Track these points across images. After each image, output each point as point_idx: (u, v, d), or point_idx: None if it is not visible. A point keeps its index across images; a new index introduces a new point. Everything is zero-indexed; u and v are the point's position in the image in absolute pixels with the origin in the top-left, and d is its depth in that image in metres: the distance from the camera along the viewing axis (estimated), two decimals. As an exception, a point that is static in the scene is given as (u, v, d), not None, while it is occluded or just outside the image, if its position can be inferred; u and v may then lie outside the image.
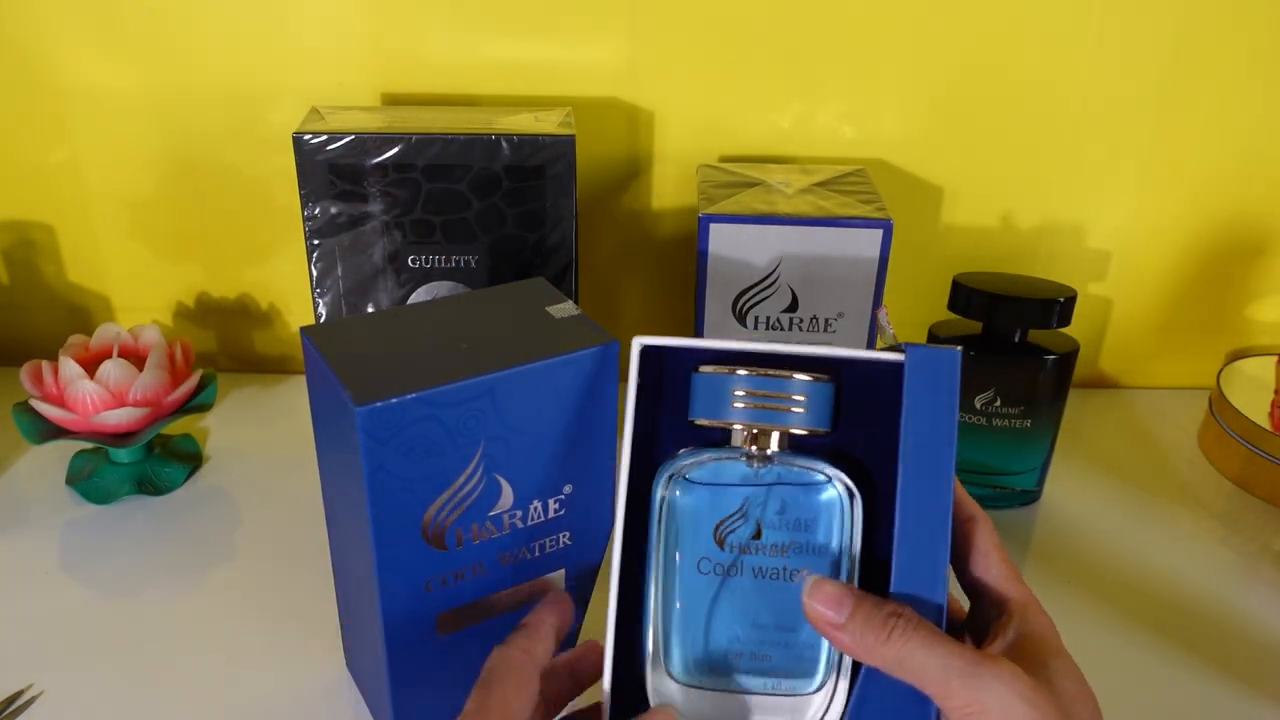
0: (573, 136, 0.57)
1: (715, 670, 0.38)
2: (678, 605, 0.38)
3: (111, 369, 0.60)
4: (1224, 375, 0.72)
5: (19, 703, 0.47)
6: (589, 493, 0.42)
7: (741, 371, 0.37)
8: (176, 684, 0.50)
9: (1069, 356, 0.60)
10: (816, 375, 0.37)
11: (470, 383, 0.36)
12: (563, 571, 0.43)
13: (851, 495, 0.37)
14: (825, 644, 0.37)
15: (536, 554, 0.42)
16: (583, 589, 0.44)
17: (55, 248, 0.74)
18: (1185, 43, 0.67)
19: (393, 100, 0.69)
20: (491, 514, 0.40)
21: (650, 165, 0.71)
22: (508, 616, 0.42)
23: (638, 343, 0.36)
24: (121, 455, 0.63)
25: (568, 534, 0.42)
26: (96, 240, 0.74)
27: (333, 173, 0.57)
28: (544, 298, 0.43)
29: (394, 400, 0.35)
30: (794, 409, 0.36)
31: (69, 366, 0.60)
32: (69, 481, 0.63)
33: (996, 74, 0.68)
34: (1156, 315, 0.77)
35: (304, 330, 0.40)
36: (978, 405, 0.61)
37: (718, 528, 0.38)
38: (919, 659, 0.32)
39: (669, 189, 0.72)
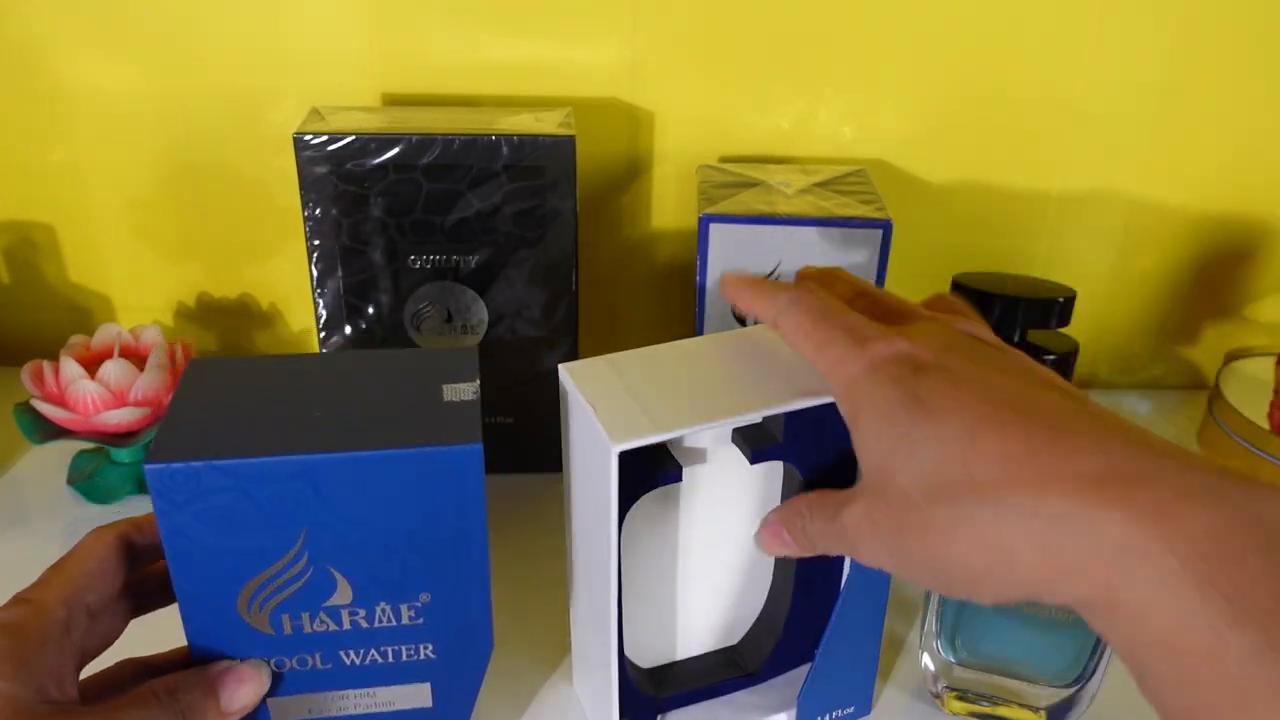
0: (573, 137, 0.57)
1: (989, 666, 0.47)
2: (958, 617, 0.47)
3: (112, 369, 0.60)
4: (1223, 375, 0.72)
5: (20, 702, 0.47)
6: (454, 606, 0.37)
7: None
8: (177, 683, 0.50)
9: (1068, 356, 0.60)
10: None
11: (282, 460, 0.33)
12: (428, 686, 0.39)
13: None
14: (1084, 662, 0.45)
15: (392, 660, 0.38)
16: (453, 705, 0.40)
17: (56, 247, 0.75)
18: (1185, 42, 0.67)
19: (393, 101, 0.69)
20: (325, 605, 0.36)
21: (650, 165, 0.72)
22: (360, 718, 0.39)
23: (615, 450, 0.34)
24: (123, 455, 0.63)
25: (430, 647, 0.38)
26: (97, 240, 0.74)
27: (333, 173, 0.57)
28: (456, 372, 0.38)
29: (185, 464, 0.32)
30: None
31: (70, 366, 0.60)
32: (70, 481, 0.63)
33: (996, 74, 0.68)
34: (1156, 315, 0.77)
35: (191, 363, 0.38)
36: (977, 405, 0.61)
37: None
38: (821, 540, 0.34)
39: (669, 189, 0.72)
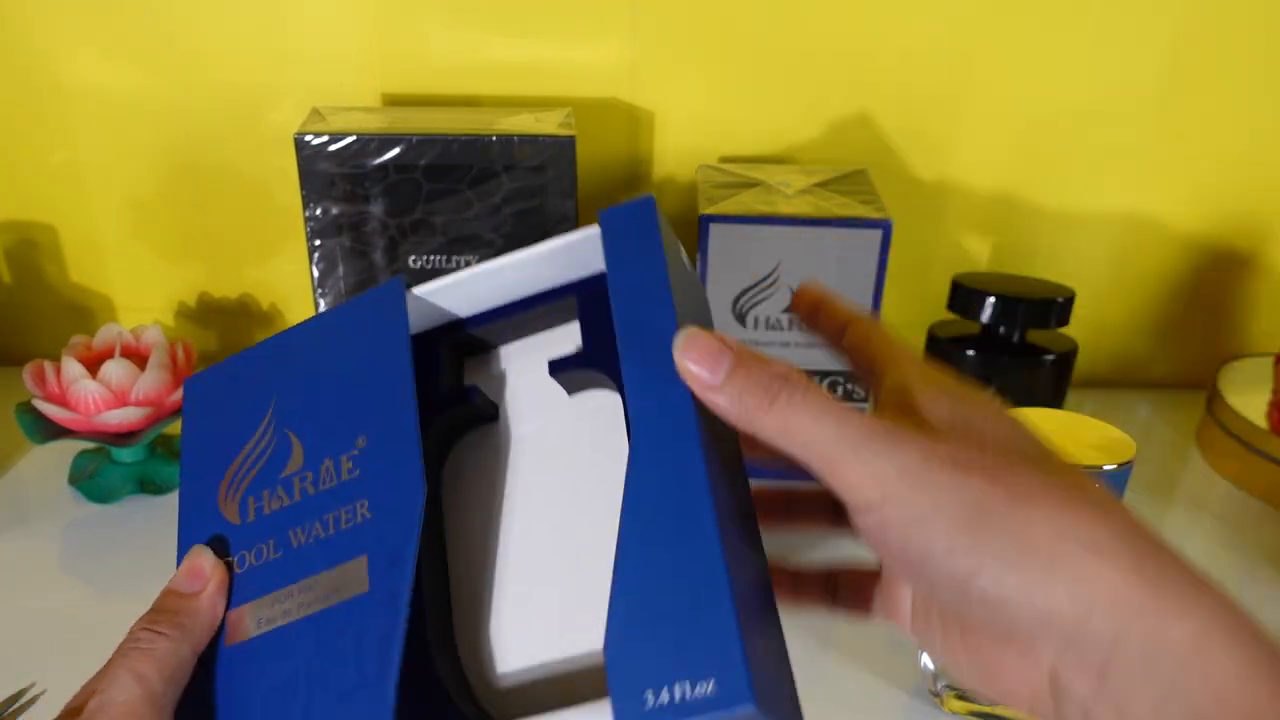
0: (573, 137, 0.57)
1: None
2: None
3: (113, 369, 0.60)
4: (1222, 375, 0.72)
5: (21, 701, 0.48)
6: (386, 447, 0.34)
7: None
8: (178, 683, 0.50)
9: (1068, 356, 0.60)
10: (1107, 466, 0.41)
11: (268, 339, 0.36)
12: (365, 560, 0.33)
13: None
14: None
15: (332, 531, 0.34)
16: (391, 584, 0.32)
17: (57, 248, 0.75)
18: (1184, 42, 0.67)
19: (393, 101, 0.69)
20: (281, 477, 0.35)
21: (650, 165, 0.72)
22: (303, 624, 0.33)
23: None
24: (123, 455, 0.63)
25: (365, 503, 0.33)
26: (98, 241, 0.74)
27: (334, 173, 0.57)
28: None
29: (210, 368, 0.36)
30: None
31: (71, 366, 0.60)
32: (71, 481, 0.64)
33: (996, 74, 0.68)
34: (1155, 315, 0.77)
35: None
36: (977, 405, 0.61)
37: None
38: (807, 430, 0.27)
39: (669, 189, 0.72)
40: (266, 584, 0.34)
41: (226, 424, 0.36)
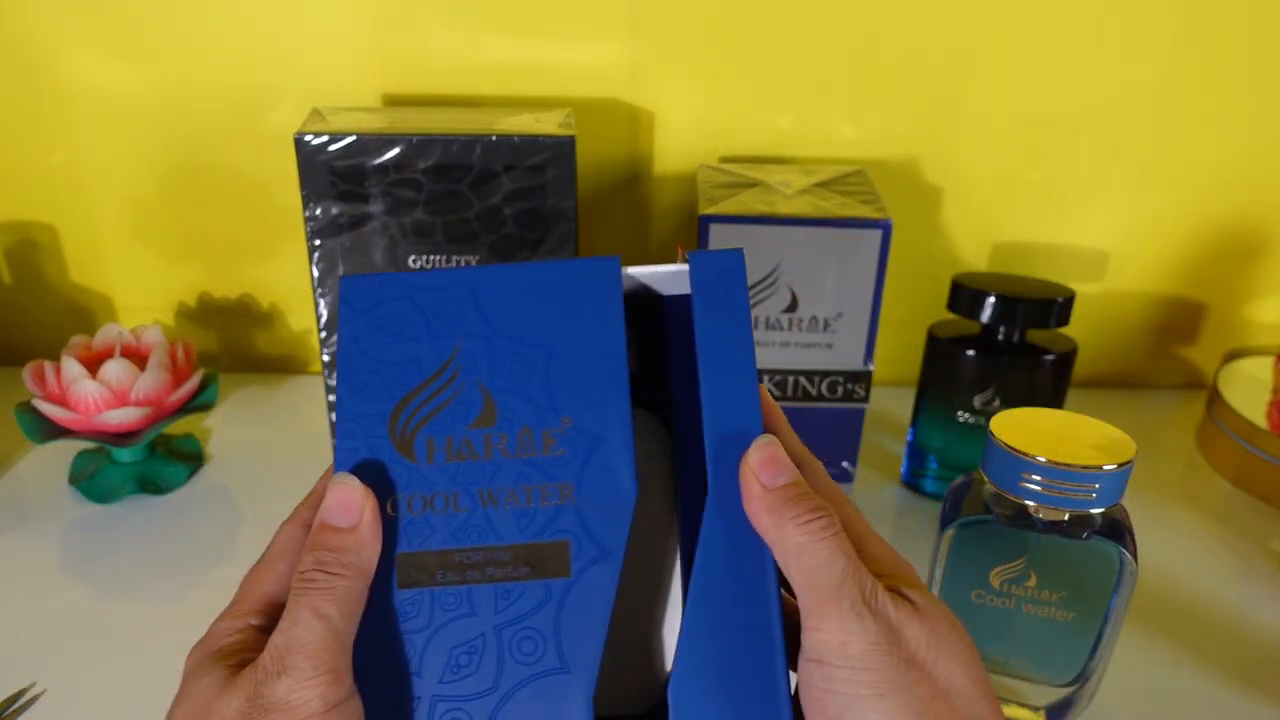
0: (573, 137, 0.57)
1: (988, 664, 0.46)
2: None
3: (113, 369, 0.60)
4: (1222, 375, 0.72)
5: (21, 701, 0.48)
6: (596, 436, 0.35)
7: (1041, 459, 0.41)
8: (177, 683, 0.50)
9: (1067, 356, 0.60)
10: (1110, 464, 0.40)
11: (449, 271, 0.36)
12: (568, 544, 0.34)
13: (1122, 559, 0.43)
14: (1083, 661, 0.46)
15: (530, 504, 0.35)
16: (596, 579, 0.34)
17: (57, 248, 0.75)
18: (1184, 42, 0.67)
19: (394, 101, 0.69)
20: (469, 428, 0.35)
21: (650, 165, 0.72)
22: (491, 590, 0.34)
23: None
24: (123, 455, 0.63)
25: (570, 487, 0.34)
26: (98, 241, 0.74)
27: (334, 173, 0.57)
28: None
29: (372, 275, 0.36)
30: (1089, 495, 0.41)
31: (71, 366, 0.60)
32: (71, 481, 0.64)
33: (996, 74, 0.68)
34: (1155, 315, 0.77)
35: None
36: (976, 405, 0.61)
37: (997, 573, 0.45)
38: (821, 559, 0.29)
39: (669, 189, 0.72)
40: (450, 537, 0.34)
41: (398, 344, 0.36)
